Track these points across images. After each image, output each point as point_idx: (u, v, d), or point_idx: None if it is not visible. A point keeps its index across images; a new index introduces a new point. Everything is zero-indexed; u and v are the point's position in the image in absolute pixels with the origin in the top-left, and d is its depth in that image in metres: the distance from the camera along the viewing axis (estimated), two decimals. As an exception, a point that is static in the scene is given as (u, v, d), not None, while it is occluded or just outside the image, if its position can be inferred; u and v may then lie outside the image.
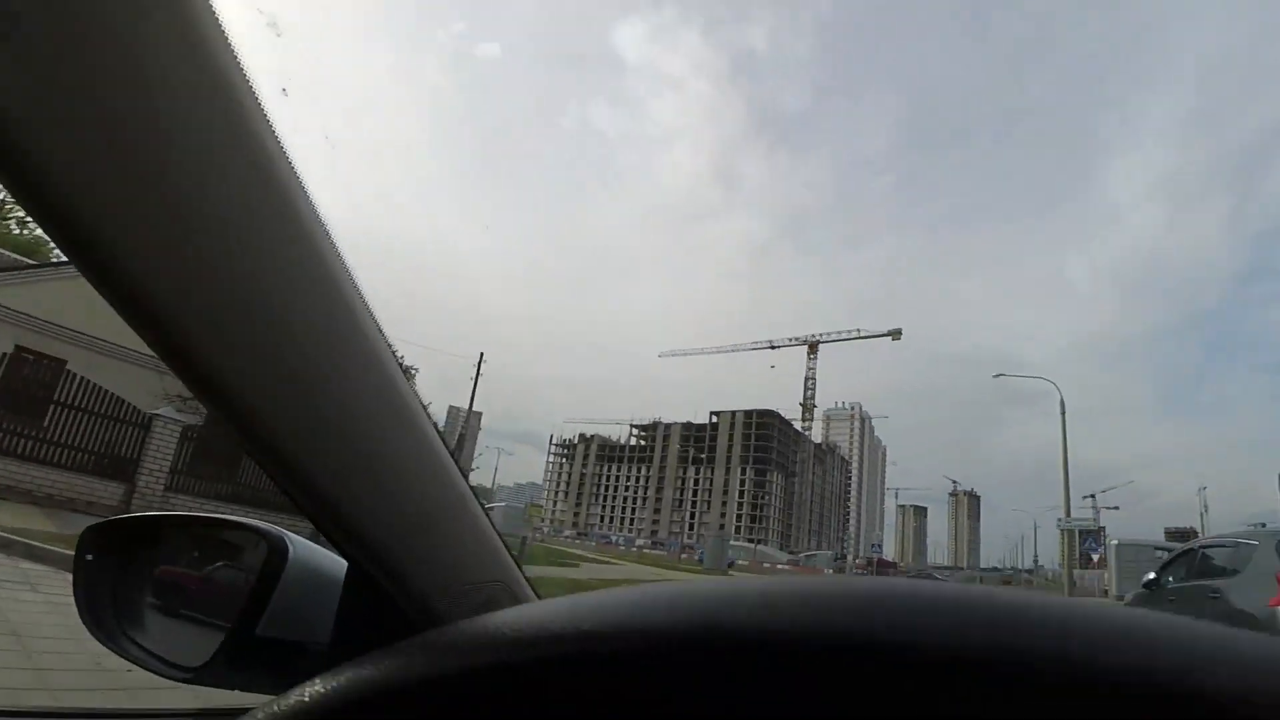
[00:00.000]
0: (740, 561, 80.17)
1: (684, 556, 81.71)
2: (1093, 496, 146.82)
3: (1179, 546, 10.42)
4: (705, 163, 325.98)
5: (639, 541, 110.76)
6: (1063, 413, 26.61)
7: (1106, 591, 28.23)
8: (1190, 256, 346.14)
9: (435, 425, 0.65)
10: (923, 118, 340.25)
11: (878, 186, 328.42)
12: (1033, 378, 26.98)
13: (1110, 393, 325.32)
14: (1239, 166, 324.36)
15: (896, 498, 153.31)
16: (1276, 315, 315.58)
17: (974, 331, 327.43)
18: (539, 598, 0.77)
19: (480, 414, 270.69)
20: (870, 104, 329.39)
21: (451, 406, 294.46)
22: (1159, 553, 28.34)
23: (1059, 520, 25.84)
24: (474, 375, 25.93)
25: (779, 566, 68.73)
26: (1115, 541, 26.42)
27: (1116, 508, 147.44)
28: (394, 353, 0.58)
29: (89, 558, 0.86)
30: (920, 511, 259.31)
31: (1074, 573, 26.94)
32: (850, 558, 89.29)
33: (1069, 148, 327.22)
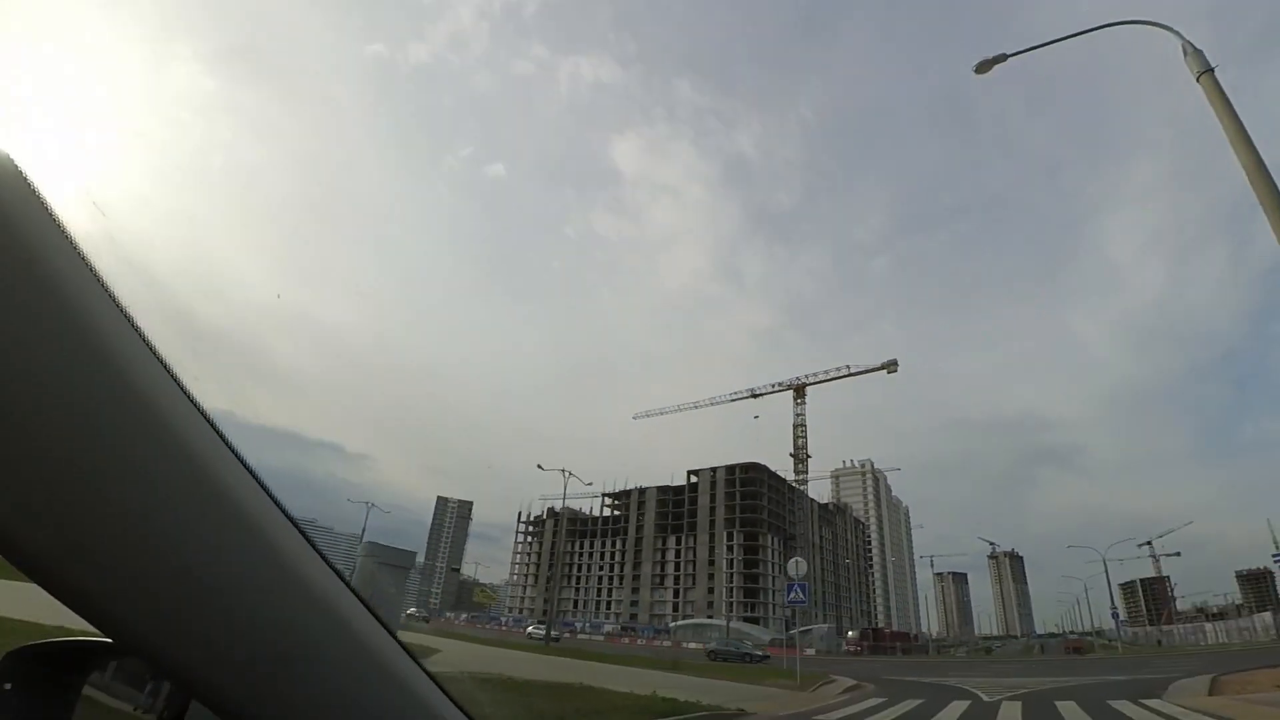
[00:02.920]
0: (691, 645, 59.11)
1: (654, 642, 62.88)
2: (1149, 543, 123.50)
3: None
4: (706, 260, 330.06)
5: (607, 627, 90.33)
6: (1209, 71, 8.39)
7: None
8: (1200, 302, 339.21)
9: (315, 544, 0.61)
10: (912, 201, 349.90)
11: (874, 267, 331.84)
12: (1134, 23, 7.79)
13: (1147, 442, 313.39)
14: (1231, 211, 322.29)
15: (932, 565, 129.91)
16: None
17: (991, 398, 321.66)
18: None
19: (471, 503, 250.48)
20: (860, 193, 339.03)
21: (439, 497, 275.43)
22: None
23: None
24: None
25: (736, 650, 47.87)
26: None
27: (1178, 554, 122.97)
28: (244, 464, 0.53)
29: (8, 687, 0.77)
30: (960, 578, 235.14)
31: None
32: (859, 629, 67.25)
33: (1059, 217, 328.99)
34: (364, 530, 60.67)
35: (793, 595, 17.32)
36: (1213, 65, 8.55)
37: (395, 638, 0.69)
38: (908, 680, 21.28)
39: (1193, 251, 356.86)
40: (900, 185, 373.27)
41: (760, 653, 31.44)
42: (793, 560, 17.61)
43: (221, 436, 0.53)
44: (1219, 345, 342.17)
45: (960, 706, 12.40)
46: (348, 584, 0.64)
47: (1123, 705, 11.52)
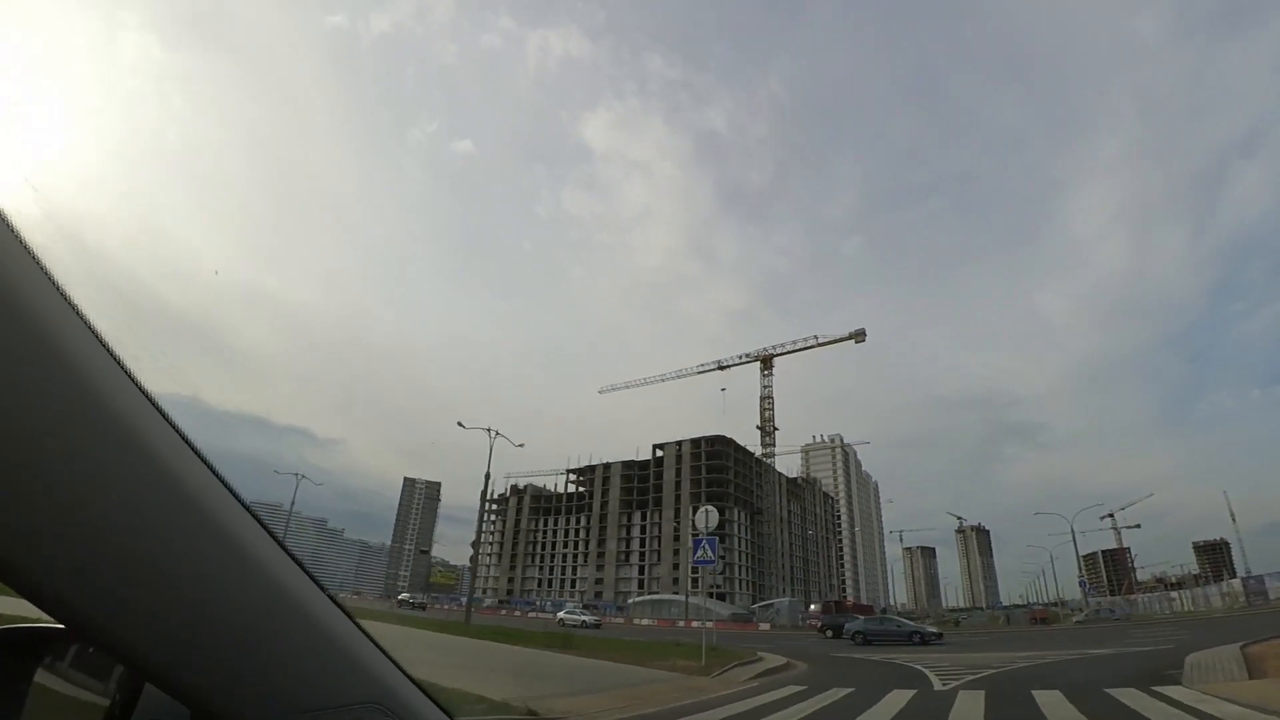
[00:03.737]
0: (643, 622, 56.06)
1: (608, 619, 59.63)
2: (1111, 515, 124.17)
3: None
4: (679, 239, 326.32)
5: (569, 605, 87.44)
6: None
7: None
8: (1160, 278, 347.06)
9: (262, 521, 0.61)
10: (884, 179, 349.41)
11: (847, 246, 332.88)
12: None
13: (1108, 416, 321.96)
14: (1192, 189, 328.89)
15: (901, 540, 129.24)
16: (1251, 327, 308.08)
17: (962, 375, 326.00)
18: (445, 710, 0.72)
19: (439, 484, 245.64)
20: (832, 172, 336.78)
21: (406, 478, 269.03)
22: None
23: None
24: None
25: (690, 624, 44.73)
26: None
27: (1138, 525, 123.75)
28: (184, 438, 0.52)
29: None
30: (928, 552, 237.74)
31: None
32: (810, 605, 64.74)
33: (1026, 194, 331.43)
34: (292, 503, 56.06)
35: (699, 554, 13.48)
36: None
37: (345, 611, 0.69)
38: (854, 658, 17.84)
39: (1155, 227, 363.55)
40: (872, 163, 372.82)
41: (934, 630, 25.75)
42: (701, 510, 13.79)
43: (166, 417, 0.52)
44: (1178, 321, 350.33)
45: (901, 699, 8.75)
46: (296, 560, 0.64)
47: (1130, 695, 7.92)
